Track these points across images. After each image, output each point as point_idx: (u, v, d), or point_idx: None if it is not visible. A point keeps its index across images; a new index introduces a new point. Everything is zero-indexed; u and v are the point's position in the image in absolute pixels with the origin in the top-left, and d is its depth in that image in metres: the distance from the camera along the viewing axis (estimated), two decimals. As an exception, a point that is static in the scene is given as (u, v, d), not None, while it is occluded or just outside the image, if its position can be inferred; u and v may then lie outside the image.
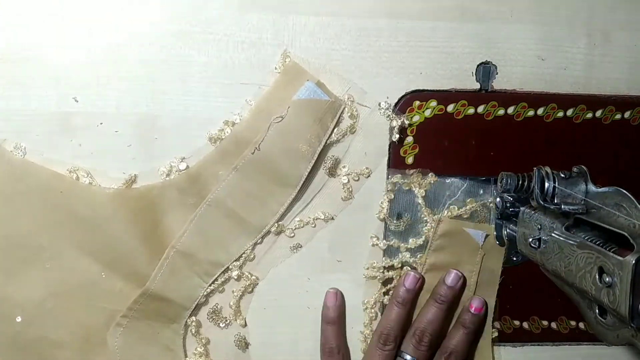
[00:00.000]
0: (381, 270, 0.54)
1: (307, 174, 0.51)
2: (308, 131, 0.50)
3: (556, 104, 0.54)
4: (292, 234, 0.53)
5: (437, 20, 0.52)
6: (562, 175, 0.46)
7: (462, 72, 0.53)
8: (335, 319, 0.53)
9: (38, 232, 0.49)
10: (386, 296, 0.54)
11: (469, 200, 0.54)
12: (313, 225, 0.53)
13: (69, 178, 0.50)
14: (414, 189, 0.53)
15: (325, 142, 0.51)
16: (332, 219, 0.53)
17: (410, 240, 0.54)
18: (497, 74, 0.53)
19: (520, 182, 0.49)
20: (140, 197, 0.50)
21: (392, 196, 0.53)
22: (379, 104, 0.52)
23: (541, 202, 0.46)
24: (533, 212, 0.49)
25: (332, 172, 0.52)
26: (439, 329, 0.52)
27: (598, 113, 0.55)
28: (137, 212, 0.50)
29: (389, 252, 0.54)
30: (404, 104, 0.53)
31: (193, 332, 0.52)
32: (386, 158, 0.53)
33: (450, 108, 0.53)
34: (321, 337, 0.53)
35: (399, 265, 0.54)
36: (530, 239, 0.48)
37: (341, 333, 0.54)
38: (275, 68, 0.51)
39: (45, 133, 0.50)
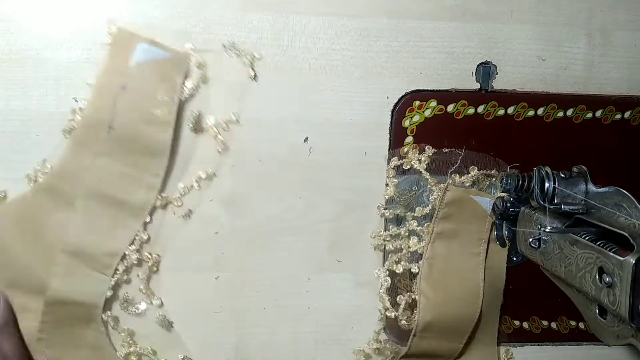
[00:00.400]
0: (388, 239, 0.53)
1: (171, 137, 0.49)
2: (157, 93, 0.47)
3: (556, 104, 0.54)
4: (180, 203, 0.51)
5: (437, 20, 0.52)
6: (562, 175, 0.46)
7: (462, 72, 0.53)
8: None
9: None
10: (398, 264, 0.53)
11: (470, 167, 0.53)
12: (198, 188, 0.51)
13: None
14: (415, 166, 0.53)
15: (180, 100, 0.49)
16: (215, 175, 0.51)
17: (417, 209, 0.54)
18: (497, 74, 0.53)
19: (520, 182, 0.49)
20: (15, 210, 0.49)
21: (396, 181, 0.53)
22: (223, 45, 0.50)
23: (541, 202, 0.46)
24: (533, 212, 0.49)
25: (199, 128, 0.50)
26: None
27: (598, 113, 0.55)
28: (17, 225, 0.49)
29: (396, 221, 0.54)
30: (404, 104, 0.53)
31: (113, 326, 0.51)
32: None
33: (450, 108, 0.53)
34: None
35: (406, 234, 0.54)
36: (530, 239, 0.48)
37: None
38: (105, 41, 0.49)
39: (45, 133, 0.50)
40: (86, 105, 0.49)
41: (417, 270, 0.54)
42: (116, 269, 0.50)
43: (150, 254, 0.51)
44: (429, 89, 0.53)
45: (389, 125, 0.53)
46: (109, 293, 0.51)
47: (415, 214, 0.54)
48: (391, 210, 0.53)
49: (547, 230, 0.44)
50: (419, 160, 0.53)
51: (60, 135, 0.49)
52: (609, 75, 0.55)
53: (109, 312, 0.51)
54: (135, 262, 0.51)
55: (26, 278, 0.49)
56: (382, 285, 0.54)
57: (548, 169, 0.47)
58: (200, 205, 0.52)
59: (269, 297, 0.54)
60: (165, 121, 0.48)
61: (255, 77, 0.51)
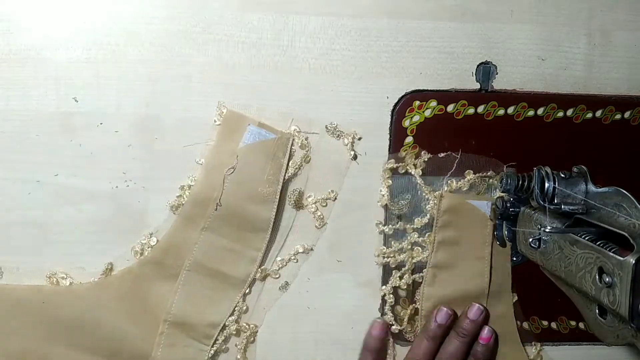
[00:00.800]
0: (392, 255, 0.54)
1: (274, 214, 0.51)
2: (264, 173, 0.50)
3: (556, 104, 0.54)
4: (278, 275, 0.53)
5: (437, 20, 0.52)
6: (562, 175, 0.46)
7: (462, 72, 0.53)
8: (376, 349, 0.53)
9: (35, 347, 0.49)
10: (402, 280, 0.54)
11: (466, 172, 0.54)
12: (295, 261, 0.53)
13: (48, 287, 0.50)
14: (410, 170, 0.53)
15: (284, 179, 0.51)
16: (312, 249, 0.53)
17: (416, 220, 0.54)
18: (497, 74, 0.53)
19: (520, 182, 0.49)
20: (121, 282, 0.51)
21: (390, 182, 0.53)
22: (326, 127, 0.52)
23: (541, 202, 0.46)
24: (533, 212, 0.49)
25: (299, 205, 0.52)
26: None
27: (598, 113, 0.55)
28: (122, 297, 0.51)
29: (396, 236, 0.54)
30: (404, 104, 0.53)
31: None
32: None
33: (450, 108, 0.53)
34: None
35: (409, 247, 0.54)
36: (530, 239, 0.48)
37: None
38: (215, 121, 0.51)
39: (45, 133, 0.50)
40: (195, 183, 0.51)
41: (421, 280, 0.54)
42: (216, 339, 0.52)
43: (247, 324, 0.53)
44: (429, 89, 0.53)
45: (388, 125, 0.53)
46: None
47: (415, 225, 0.54)
48: (390, 226, 0.54)
49: (547, 230, 0.44)
50: (415, 165, 0.53)
51: (61, 135, 0.50)
52: (609, 75, 0.55)
53: None
54: (234, 333, 0.52)
55: (129, 347, 0.51)
56: (386, 302, 0.54)
57: (548, 169, 0.47)
58: (295, 280, 0.54)
59: (270, 298, 0.54)
60: (270, 199, 0.51)
61: (355, 157, 0.53)
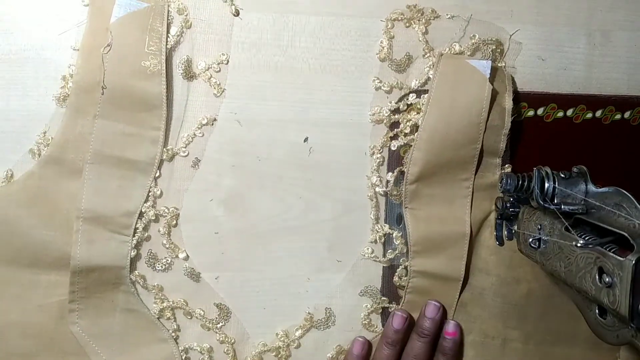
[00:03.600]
0: (387, 114, 0.52)
1: (164, 87, 0.48)
2: (143, 44, 0.48)
3: (556, 104, 0.54)
4: (186, 152, 0.51)
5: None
6: (562, 176, 0.46)
7: (462, 72, 0.53)
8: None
9: None
10: (393, 141, 0.52)
11: (471, 35, 0.52)
12: (201, 135, 0.51)
13: None
14: (413, 26, 0.52)
15: (167, 48, 0.49)
16: (215, 119, 0.51)
17: (414, 81, 0.52)
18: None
19: (520, 182, 0.49)
20: (24, 187, 0.49)
21: (392, 34, 0.52)
22: None
23: (541, 202, 0.46)
24: (533, 212, 0.49)
25: (190, 74, 0.50)
26: None
27: (598, 113, 0.55)
28: (30, 202, 0.49)
29: (394, 95, 0.53)
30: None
31: (142, 285, 0.51)
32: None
33: (450, 108, 0.53)
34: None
35: (404, 108, 0.52)
36: (530, 239, 0.48)
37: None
38: (82, 1, 0.49)
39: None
40: (76, 70, 0.48)
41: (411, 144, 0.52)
42: (135, 228, 0.50)
43: (166, 207, 0.51)
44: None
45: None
46: (133, 253, 0.50)
47: (412, 87, 0.52)
48: (387, 83, 0.52)
49: (547, 227, 0.44)
50: (419, 21, 0.51)
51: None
52: (609, 75, 0.55)
53: (136, 272, 0.51)
54: (153, 218, 0.51)
55: (47, 253, 0.49)
56: (374, 163, 0.53)
57: (548, 169, 0.47)
58: (206, 151, 0.51)
59: (269, 297, 0.54)
60: (156, 72, 0.48)
61: (237, 13, 0.50)
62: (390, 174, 0.53)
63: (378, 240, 0.53)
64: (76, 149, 0.49)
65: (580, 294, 0.43)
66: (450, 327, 0.53)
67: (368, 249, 0.54)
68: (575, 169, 0.47)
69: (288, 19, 0.51)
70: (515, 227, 0.52)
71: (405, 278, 0.53)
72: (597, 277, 0.39)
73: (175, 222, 0.52)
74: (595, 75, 0.55)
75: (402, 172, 0.52)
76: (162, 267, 0.52)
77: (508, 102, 0.51)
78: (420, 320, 0.52)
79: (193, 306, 0.53)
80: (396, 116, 0.53)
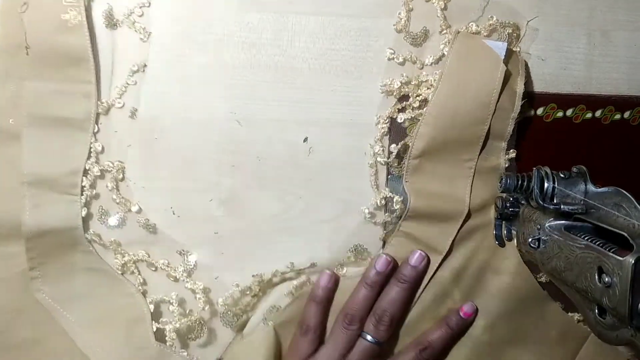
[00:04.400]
0: (398, 85, 0.52)
1: (88, 38, 0.47)
2: None
3: (556, 104, 0.54)
4: (121, 103, 0.50)
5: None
6: (562, 176, 0.46)
7: (462, 72, 0.53)
8: (322, 300, 0.52)
9: None
10: (400, 113, 0.52)
11: (489, 16, 0.51)
12: (134, 83, 0.50)
13: None
14: (433, 1, 0.51)
15: None
16: (145, 65, 0.50)
17: (427, 58, 0.52)
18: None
19: (520, 182, 0.49)
20: None
21: (411, 7, 0.51)
22: None
23: (541, 202, 0.46)
24: (533, 212, 0.49)
25: (112, 22, 0.49)
26: (401, 310, 0.52)
27: (598, 113, 0.55)
28: None
29: (407, 68, 0.52)
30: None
31: (99, 242, 0.51)
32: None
33: (450, 108, 0.53)
34: (302, 314, 0.52)
35: (416, 83, 0.52)
36: (530, 239, 0.48)
37: (323, 315, 0.52)
38: None
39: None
40: None
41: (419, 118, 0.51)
42: (82, 187, 0.50)
43: (110, 162, 0.50)
44: (429, 88, 0.53)
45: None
46: (84, 212, 0.50)
47: (426, 63, 0.52)
48: (401, 55, 0.51)
49: (547, 227, 0.44)
50: None
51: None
52: (608, 75, 0.55)
53: (91, 231, 0.51)
54: (98, 174, 0.50)
55: (0, 224, 0.49)
56: (379, 132, 0.52)
57: (547, 169, 0.47)
58: (140, 101, 0.51)
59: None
60: (77, 24, 0.47)
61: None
62: (394, 145, 0.52)
63: (379, 203, 0.53)
64: (10, 114, 0.48)
65: (580, 294, 0.43)
66: (467, 306, 0.53)
67: (366, 210, 0.53)
68: (574, 169, 0.47)
69: (288, 19, 0.51)
70: (515, 227, 0.52)
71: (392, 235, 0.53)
72: (596, 277, 0.39)
73: (121, 176, 0.51)
74: (595, 75, 0.55)
75: (406, 146, 0.52)
76: (115, 222, 0.51)
77: (520, 86, 0.51)
78: (403, 266, 0.52)
79: (155, 258, 0.52)
80: (406, 89, 0.52)
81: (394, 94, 0.52)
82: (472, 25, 0.52)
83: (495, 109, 0.50)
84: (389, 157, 0.52)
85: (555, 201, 0.46)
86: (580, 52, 0.54)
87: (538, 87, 0.54)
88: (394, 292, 0.51)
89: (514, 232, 0.52)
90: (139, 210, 0.51)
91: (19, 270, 0.49)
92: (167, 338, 0.51)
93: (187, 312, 0.53)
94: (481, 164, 0.52)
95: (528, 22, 0.53)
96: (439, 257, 0.53)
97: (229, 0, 0.50)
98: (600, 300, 0.39)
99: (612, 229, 0.40)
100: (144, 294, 0.52)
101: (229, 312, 0.52)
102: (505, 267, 0.53)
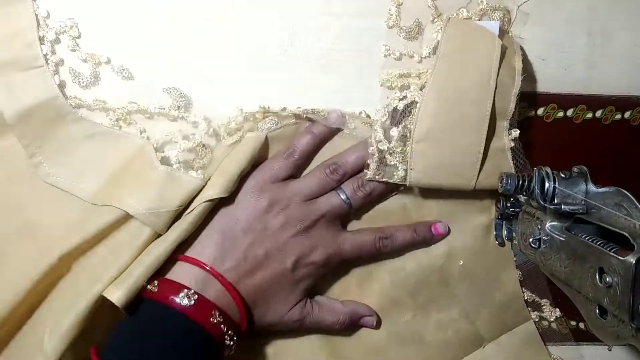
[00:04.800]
0: (397, 75, 0.52)
1: None
2: None
3: (556, 104, 0.54)
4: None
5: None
6: (562, 176, 0.46)
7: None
8: (320, 134, 0.51)
9: None
10: (401, 101, 0.50)
11: (479, 1, 0.51)
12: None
13: None
14: None
15: None
16: None
17: (425, 49, 0.51)
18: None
19: (520, 182, 0.49)
20: None
21: (400, 1, 0.51)
22: None
23: (542, 202, 0.46)
24: (533, 212, 0.49)
25: None
26: (384, 194, 0.52)
27: (598, 113, 0.55)
28: None
29: (404, 63, 0.52)
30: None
31: (85, 106, 0.49)
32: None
33: (450, 108, 0.53)
34: (293, 138, 0.51)
35: (415, 73, 0.52)
36: (530, 239, 0.48)
37: (313, 149, 0.51)
38: None
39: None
40: None
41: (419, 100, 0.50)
42: (45, 55, 0.47)
43: (61, 22, 0.49)
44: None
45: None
46: (57, 79, 0.48)
47: (423, 55, 0.51)
48: (397, 51, 0.51)
49: (548, 227, 0.44)
50: None
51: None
52: (609, 75, 0.55)
53: (71, 95, 0.49)
54: (53, 39, 0.48)
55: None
56: (380, 119, 0.51)
57: (548, 169, 0.47)
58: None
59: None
60: None
61: None
62: (395, 129, 0.51)
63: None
64: None
65: (581, 294, 0.43)
66: (441, 226, 0.53)
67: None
68: (575, 169, 0.47)
69: (288, 19, 0.51)
70: (515, 227, 0.52)
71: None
72: (597, 277, 0.39)
73: (77, 32, 0.49)
74: (595, 75, 0.55)
75: (407, 133, 0.50)
76: (90, 79, 0.50)
77: (518, 63, 0.51)
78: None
79: (145, 103, 0.50)
80: (407, 81, 0.52)
81: (394, 84, 0.52)
82: (462, 11, 0.51)
83: (496, 86, 0.49)
84: (390, 142, 0.50)
85: (556, 201, 0.46)
86: (580, 52, 0.54)
87: (538, 87, 0.54)
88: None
89: (514, 232, 0.52)
90: (108, 60, 0.50)
91: (23, 163, 0.48)
92: (172, 163, 0.49)
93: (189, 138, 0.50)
94: (487, 145, 0.51)
95: (519, 6, 0.52)
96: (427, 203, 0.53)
97: (229, 0, 0.50)
98: (601, 301, 0.39)
99: (613, 229, 0.40)
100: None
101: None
102: (459, 249, 0.54)
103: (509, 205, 0.52)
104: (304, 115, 0.51)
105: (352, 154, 0.51)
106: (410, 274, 0.54)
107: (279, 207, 0.49)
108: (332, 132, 0.52)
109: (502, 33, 0.51)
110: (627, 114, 0.55)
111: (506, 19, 0.52)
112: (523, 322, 0.56)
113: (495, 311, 0.55)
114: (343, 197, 0.50)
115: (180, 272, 0.46)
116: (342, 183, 0.51)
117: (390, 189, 0.52)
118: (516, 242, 0.52)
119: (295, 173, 0.51)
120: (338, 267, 0.52)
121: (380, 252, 0.52)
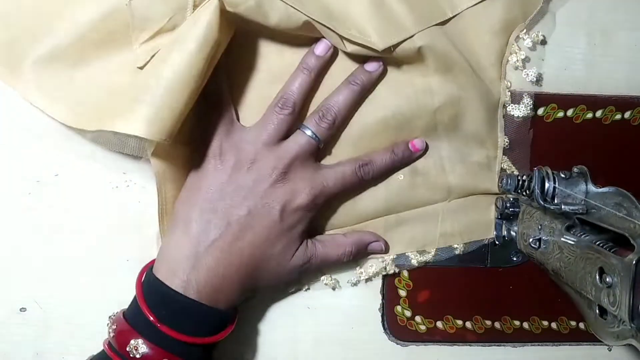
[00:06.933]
0: None
1: None
2: None
3: (556, 104, 0.54)
4: None
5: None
6: (562, 176, 0.46)
7: (463, 72, 0.53)
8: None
9: None
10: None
11: None
12: None
13: None
14: None
15: None
16: None
17: None
18: (497, 73, 0.53)
19: (521, 182, 0.49)
20: None
21: None
22: None
23: (542, 202, 0.46)
24: (533, 212, 0.49)
25: None
26: (346, 113, 0.49)
27: (598, 113, 0.55)
28: None
29: None
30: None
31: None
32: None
33: (450, 108, 0.53)
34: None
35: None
36: (530, 239, 0.48)
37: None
38: None
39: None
40: None
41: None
42: None
43: None
44: (429, 88, 0.53)
45: None
46: None
47: None
48: None
49: (548, 227, 0.44)
50: None
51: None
52: (609, 75, 0.55)
53: None
54: None
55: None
56: None
57: (548, 169, 0.47)
58: None
59: (269, 297, 0.54)
60: None
61: None
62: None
63: None
64: None
65: (581, 294, 0.43)
66: (418, 142, 0.51)
67: None
68: (575, 169, 0.47)
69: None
70: (515, 227, 0.52)
71: None
72: (597, 277, 0.39)
73: None
74: (595, 75, 0.55)
75: None
76: None
77: None
78: (358, 69, 0.50)
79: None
80: None
81: None
82: None
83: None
84: None
85: (556, 201, 0.46)
86: (580, 52, 0.54)
87: (538, 87, 0.54)
88: (342, 93, 0.49)
89: (514, 232, 0.52)
90: None
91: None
92: None
93: None
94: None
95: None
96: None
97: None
98: (601, 301, 0.39)
99: (613, 229, 0.40)
100: None
101: None
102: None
103: (509, 205, 0.52)
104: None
105: (293, 81, 0.49)
106: (398, 113, 0.51)
107: (247, 162, 0.47)
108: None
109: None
110: (627, 114, 0.55)
111: None
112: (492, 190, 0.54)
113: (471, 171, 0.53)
114: (309, 133, 0.48)
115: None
116: (300, 116, 0.49)
117: (354, 105, 0.50)
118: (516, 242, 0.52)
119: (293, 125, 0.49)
120: (327, 203, 0.51)
121: (363, 179, 0.50)
